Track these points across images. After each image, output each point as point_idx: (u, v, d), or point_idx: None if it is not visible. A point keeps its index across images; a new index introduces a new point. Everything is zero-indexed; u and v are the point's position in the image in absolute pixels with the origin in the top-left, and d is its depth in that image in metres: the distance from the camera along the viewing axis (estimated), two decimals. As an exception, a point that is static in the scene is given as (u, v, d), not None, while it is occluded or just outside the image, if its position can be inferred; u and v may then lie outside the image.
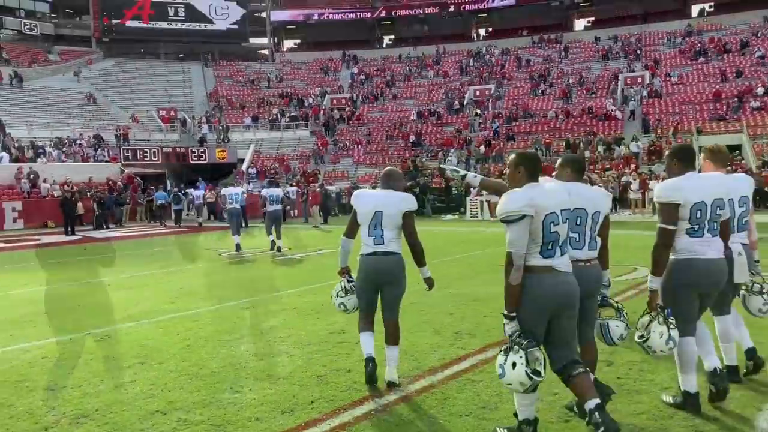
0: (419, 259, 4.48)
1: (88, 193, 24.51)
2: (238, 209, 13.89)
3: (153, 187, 26.65)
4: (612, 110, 33.22)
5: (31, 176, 25.34)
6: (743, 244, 4.08)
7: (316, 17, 51.53)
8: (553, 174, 3.80)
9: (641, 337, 3.67)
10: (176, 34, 50.27)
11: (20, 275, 11.26)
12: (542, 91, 38.92)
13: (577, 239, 3.60)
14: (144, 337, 6.13)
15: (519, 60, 44.50)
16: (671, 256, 3.69)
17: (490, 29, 52.88)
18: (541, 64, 42.80)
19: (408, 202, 4.45)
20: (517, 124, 35.05)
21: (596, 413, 3.11)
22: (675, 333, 3.59)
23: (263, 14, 54.73)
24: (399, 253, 4.43)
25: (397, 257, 4.43)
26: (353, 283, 4.61)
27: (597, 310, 3.80)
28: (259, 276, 9.74)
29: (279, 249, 13.01)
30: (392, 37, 55.24)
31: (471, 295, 7.58)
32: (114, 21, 48.76)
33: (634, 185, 20.52)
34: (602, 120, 32.90)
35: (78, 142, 30.44)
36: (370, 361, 4.41)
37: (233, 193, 14.15)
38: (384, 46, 53.90)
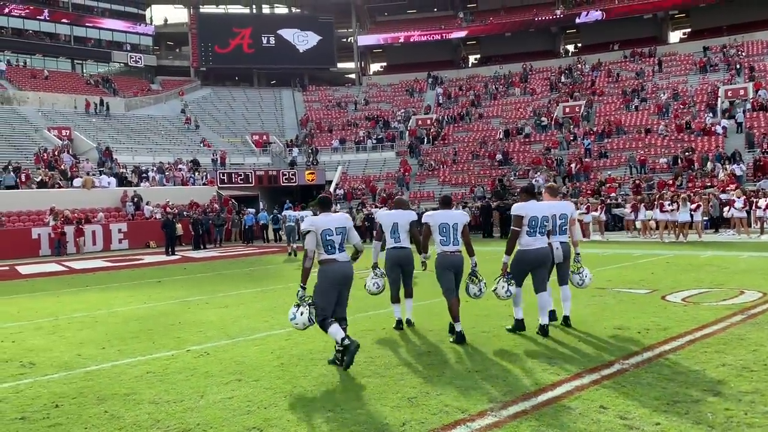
0: (419, 248, 7.03)
1: (186, 215, 25.83)
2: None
3: (249, 209, 27.73)
4: (712, 125, 31.54)
5: (135, 199, 26.95)
6: (562, 242, 6.79)
7: (401, 40, 52.26)
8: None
9: (493, 289, 6.59)
10: (268, 61, 52.34)
11: (125, 293, 11.94)
12: (635, 107, 37.55)
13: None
14: (240, 354, 6.33)
15: (610, 75, 43.22)
16: (517, 247, 6.52)
17: (579, 44, 51.74)
18: (634, 79, 41.36)
19: (412, 216, 7.31)
20: (610, 140, 33.94)
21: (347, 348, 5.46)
22: (512, 288, 6.54)
23: (350, 40, 56.08)
24: (410, 247, 7.22)
25: (409, 250, 7.22)
26: (381, 270, 7.38)
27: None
28: (354, 294, 9.86)
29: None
30: (477, 56, 55.13)
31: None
32: (211, 52, 51.41)
33: (738, 203, 19.27)
34: (701, 135, 31.28)
35: (178, 166, 32.14)
36: (399, 322, 7.28)
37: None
38: (469, 65, 53.86)
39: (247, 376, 5.42)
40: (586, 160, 31.73)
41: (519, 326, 6.69)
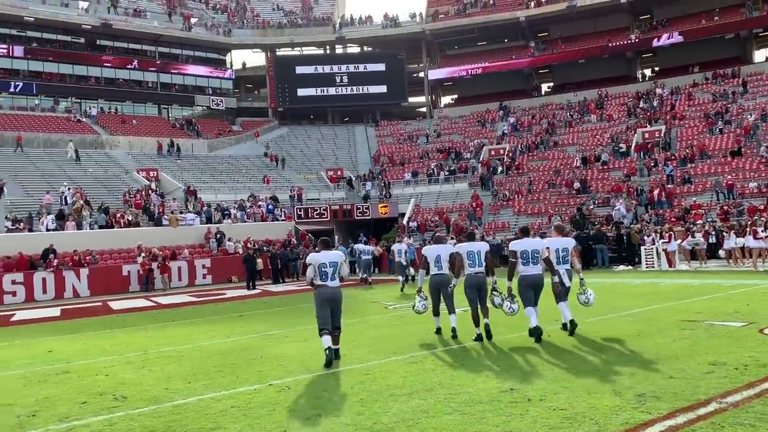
0: (456, 272, 9.01)
1: (266, 250, 26.54)
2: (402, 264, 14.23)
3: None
4: (807, 145, 29.71)
5: (218, 236, 27.96)
6: (567, 269, 8.66)
7: (472, 72, 52.42)
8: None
9: (500, 305, 8.82)
10: (342, 99, 53.66)
11: (209, 327, 12.32)
12: (719, 130, 35.93)
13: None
14: (321, 388, 6.39)
15: (691, 98, 41.65)
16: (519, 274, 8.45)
17: (656, 68, 50.27)
18: (717, 101, 39.67)
19: (449, 248, 9.36)
20: (693, 165, 32.55)
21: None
22: (515, 305, 8.60)
23: (420, 74, 56.74)
24: (448, 273, 9.13)
25: (448, 275, 9.13)
26: (425, 294, 9.40)
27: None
28: (426, 330, 9.78)
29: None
30: (550, 84, 54.52)
31: (652, 353, 7.02)
32: (287, 92, 53.23)
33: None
34: (795, 157, 29.51)
35: (258, 203, 33.19)
36: (439, 330, 9.34)
37: (400, 248, 14.53)
38: (542, 93, 53.32)
39: (327, 412, 5.45)
40: (669, 186, 30.51)
41: (533, 333, 8.29)
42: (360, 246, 25.75)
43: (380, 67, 53.53)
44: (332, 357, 7.58)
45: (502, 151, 42.14)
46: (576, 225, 25.79)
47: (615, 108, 44.32)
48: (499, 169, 39.69)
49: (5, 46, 43.88)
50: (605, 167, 35.67)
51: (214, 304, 17.77)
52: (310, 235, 30.34)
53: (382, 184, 39.83)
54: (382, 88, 53.22)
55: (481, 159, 41.53)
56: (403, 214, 36.16)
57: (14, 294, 21.62)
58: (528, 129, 45.40)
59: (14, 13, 43.17)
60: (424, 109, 57.42)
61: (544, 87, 54.87)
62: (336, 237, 31.23)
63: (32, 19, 43.89)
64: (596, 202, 31.24)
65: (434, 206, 36.84)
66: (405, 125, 52.10)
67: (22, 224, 25.52)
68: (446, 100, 58.83)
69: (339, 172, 42.40)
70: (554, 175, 36.34)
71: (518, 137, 44.26)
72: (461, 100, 55.65)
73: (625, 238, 22.80)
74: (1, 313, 18.04)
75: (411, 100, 57.34)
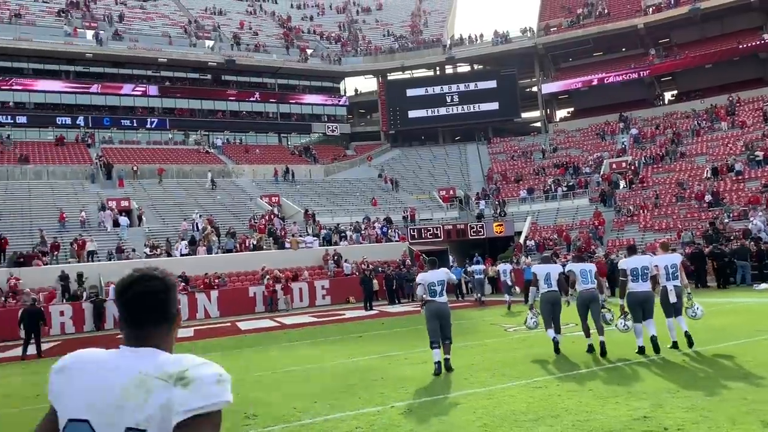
0: (566, 289, 9.92)
1: (381, 270, 26.91)
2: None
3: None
4: None
5: (336, 257, 28.73)
6: (675, 285, 8.95)
7: (588, 84, 50.73)
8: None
9: (611, 320, 9.54)
10: (453, 119, 53.74)
11: (331, 348, 12.62)
12: None
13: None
14: (442, 412, 6.33)
15: (839, 97, 37.83)
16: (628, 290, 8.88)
17: (796, 68, 46.18)
18: None
19: (558, 268, 10.09)
20: None
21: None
22: (629, 322, 9.11)
23: (534, 89, 55.71)
24: (558, 290, 9.72)
25: (557, 292, 9.73)
26: (537, 311, 10.18)
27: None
28: (548, 353, 9.45)
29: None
30: (674, 92, 51.57)
31: (808, 382, 6.35)
32: (399, 115, 54.10)
33: None
34: None
35: (372, 224, 33.81)
36: (555, 342, 9.64)
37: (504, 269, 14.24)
38: (665, 102, 50.52)
39: (451, 436, 5.39)
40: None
41: (641, 352, 8.81)
42: (474, 266, 25.50)
43: (491, 84, 53.14)
44: (440, 370, 8.59)
45: (623, 164, 40.24)
46: (709, 240, 24.04)
47: (748, 114, 41.10)
48: (621, 183, 37.91)
49: (143, 86, 47.99)
50: (739, 177, 33.07)
51: (334, 324, 18.21)
52: (424, 255, 30.42)
53: (497, 203, 39.26)
54: (494, 105, 52.74)
55: (601, 173, 39.91)
56: (519, 233, 35.36)
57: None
58: (651, 140, 43.13)
59: (151, 55, 47.18)
60: (538, 124, 56.20)
61: (667, 95, 52.02)
62: (450, 257, 31.08)
63: (165, 60, 47.71)
64: (731, 215, 28.99)
65: (552, 224, 35.76)
66: (519, 141, 51.20)
67: (158, 250, 27.57)
68: (561, 113, 57.28)
69: (451, 192, 42.30)
70: (682, 187, 34.18)
71: (641, 149, 42.14)
72: (578, 112, 53.95)
73: (766, 254, 20.93)
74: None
75: (524, 115, 56.35)
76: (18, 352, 15.27)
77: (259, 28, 58.66)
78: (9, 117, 43.02)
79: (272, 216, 33.65)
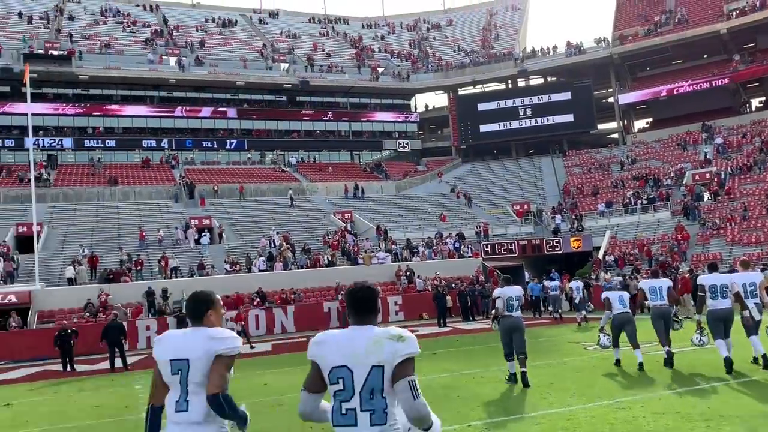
0: (639, 305, 12.75)
1: (454, 287, 26.70)
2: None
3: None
4: None
5: (408, 273, 28.74)
6: (756, 303, 8.81)
7: (667, 93, 48.90)
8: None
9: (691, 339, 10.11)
10: (526, 132, 53.00)
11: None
12: None
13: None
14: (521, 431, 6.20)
15: None
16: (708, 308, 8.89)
17: None
18: None
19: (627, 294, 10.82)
20: None
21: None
22: (705, 338, 9.70)
23: (610, 100, 54.22)
24: (629, 311, 10.34)
25: (630, 313, 10.29)
26: (608, 332, 10.61)
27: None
28: (630, 373, 9.10)
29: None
30: (762, 98, 48.95)
31: None
32: (470, 130, 53.84)
33: None
34: None
35: (445, 240, 33.64)
36: (618, 362, 10.34)
37: (577, 285, 13.88)
38: (752, 109, 48.02)
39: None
40: None
41: (727, 364, 8.58)
42: (549, 282, 24.94)
43: (565, 96, 52.12)
44: (515, 380, 9.04)
45: (707, 176, 38.44)
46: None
47: None
48: (706, 195, 36.21)
49: (222, 109, 49.93)
50: (839, 187, 30.93)
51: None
52: (498, 271, 29.98)
53: (573, 217, 38.26)
54: (569, 117, 51.65)
55: (683, 185, 38.28)
56: (597, 248, 34.29)
57: (232, 330, 23.98)
58: (737, 149, 41.04)
59: (229, 79, 49.07)
60: (615, 136, 54.58)
61: (754, 102, 49.45)
62: (526, 273, 30.48)
63: (243, 83, 49.48)
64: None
65: (632, 238, 34.51)
66: (595, 153, 49.84)
67: (238, 266, 28.44)
68: (640, 124, 55.44)
69: (526, 206, 41.56)
70: (773, 198, 32.27)
71: (726, 159, 40.16)
72: (657, 123, 52.07)
73: None
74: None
75: (600, 126, 54.87)
76: (107, 364, 16.04)
77: (331, 49, 59.98)
78: (99, 141, 45.68)
79: (345, 232, 34.09)
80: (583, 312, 19.58)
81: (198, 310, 3.25)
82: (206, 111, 49.34)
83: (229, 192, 41.18)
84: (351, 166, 51.76)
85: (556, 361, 11.39)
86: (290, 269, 28.62)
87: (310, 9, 72.82)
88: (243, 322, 19.52)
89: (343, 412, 2.79)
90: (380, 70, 56.05)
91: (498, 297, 9.36)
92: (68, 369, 16.49)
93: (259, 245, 31.09)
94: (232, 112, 50.20)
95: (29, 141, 31.25)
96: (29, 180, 29.36)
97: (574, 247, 34.23)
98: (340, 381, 2.81)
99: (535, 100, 52.84)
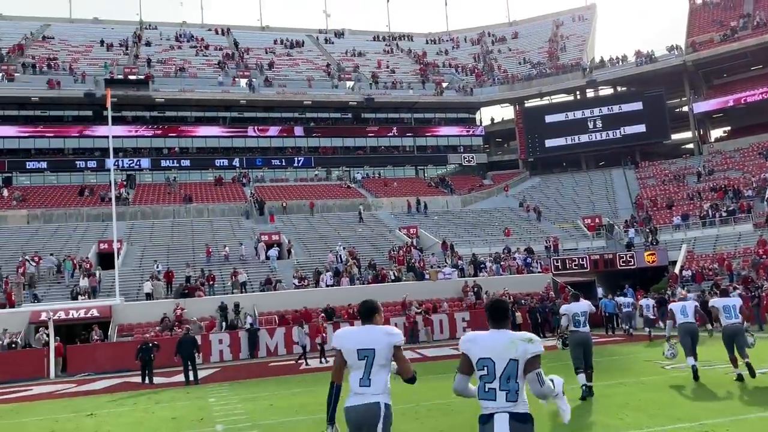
0: (711, 323, 11.96)
1: (523, 303, 26.18)
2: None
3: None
4: None
5: (475, 289, 28.38)
6: None
7: (746, 100, 46.70)
8: None
9: (753, 344, 10.59)
10: (596, 144, 51.72)
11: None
12: None
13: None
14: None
15: None
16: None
17: None
18: None
19: (694, 303, 11.10)
20: None
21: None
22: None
23: (684, 109, 52.28)
24: (695, 323, 10.76)
25: (695, 324, 10.74)
26: (673, 342, 11.33)
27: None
28: (711, 395, 8.65)
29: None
30: None
31: None
32: (537, 142, 53.02)
33: None
34: None
35: (513, 255, 33.09)
36: (694, 370, 10.34)
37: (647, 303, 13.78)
38: (842, 115, 45.20)
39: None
40: None
41: None
42: (622, 298, 24.12)
43: (637, 106, 50.61)
44: (587, 393, 9.27)
45: (794, 186, 36.37)
46: None
47: None
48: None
49: (290, 127, 51.12)
50: None
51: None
52: (569, 287, 29.21)
53: (647, 230, 36.93)
54: (641, 128, 50.09)
55: (766, 196, 36.34)
56: (673, 263, 32.92)
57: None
58: (827, 157, 38.67)
59: (297, 98, 50.24)
60: (690, 146, 52.46)
61: None
62: (599, 289, 29.55)
63: (310, 102, 50.53)
64: None
65: (711, 252, 32.98)
66: (670, 164, 48.04)
67: (306, 281, 28.87)
68: (716, 133, 53.15)
69: (597, 220, 40.41)
70: None
71: (814, 168, 37.90)
72: (736, 131, 49.79)
73: None
74: (291, 362, 20.35)
75: (674, 137, 52.94)
76: (182, 377, 16.53)
77: (396, 65, 60.53)
78: (174, 161, 47.61)
79: (411, 247, 34.08)
80: (647, 329, 19.03)
81: (370, 313, 4.47)
82: (275, 130, 50.65)
83: (297, 208, 42.00)
84: (416, 181, 51.83)
85: (631, 380, 10.96)
86: (356, 284, 28.80)
87: (375, 27, 73.79)
88: (324, 335, 19.55)
89: (486, 390, 3.84)
90: (444, 84, 56.12)
91: (564, 314, 9.87)
92: (147, 381, 17.08)
93: (326, 260, 31.48)
94: (299, 130, 51.34)
95: (110, 162, 32.90)
96: (110, 199, 30.80)
97: (648, 262, 32.99)
98: (485, 368, 3.84)
99: (605, 110, 51.57)
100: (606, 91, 55.69)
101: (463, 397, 4.10)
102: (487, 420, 3.81)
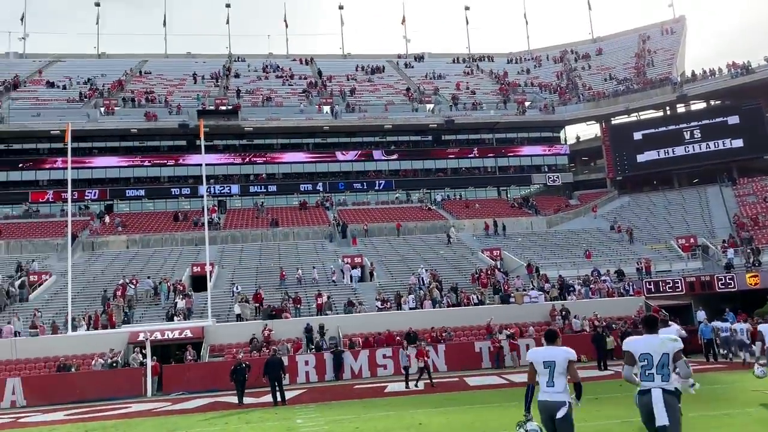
0: None
1: (615, 327, 25.11)
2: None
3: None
4: None
5: (564, 313, 27.51)
6: None
7: None
8: None
9: None
10: (689, 160, 49.41)
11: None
12: None
13: None
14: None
15: None
16: None
17: None
18: None
19: None
20: None
21: None
22: None
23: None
24: None
25: None
26: (764, 361, 11.61)
27: None
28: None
29: None
30: None
31: None
32: (626, 160, 51.22)
33: None
34: None
35: (602, 278, 31.91)
36: None
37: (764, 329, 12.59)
38: None
39: None
40: None
41: None
42: (719, 323, 22.66)
43: (733, 119, 48.06)
44: None
45: None
46: None
47: None
48: None
49: (371, 151, 51.86)
50: None
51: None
52: (663, 311, 27.81)
53: (749, 251, 34.72)
54: (738, 143, 47.50)
55: None
56: (779, 285, 30.73)
57: (385, 367, 24.27)
58: None
59: (377, 123, 51.00)
60: (794, 161, 49.14)
61: None
62: (700, 312, 27.92)
63: (390, 126, 51.15)
64: None
65: (822, 274, 30.57)
66: (772, 181, 45.19)
67: (388, 303, 28.94)
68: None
69: (692, 240, 38.41)
70: None
71: None
72: None
73: None
74: (376, 385, 20.38)
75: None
76: (270, 398, 16.86)
77: (476, 86, 60.39)
78: (262, 186, 49.34)
79: (495, 270, 33.53)
80: (747, 355, 17.73)
81: (553, 336, 6.23)
82: (356, 154, 51.56)
83: (378, 231, 42.37)
84: (498, 202, 51.18)
85: (737, 411, 10.26)
86: (438, 307, 28.58)
87: (455, 49, 73.92)
88: (425, 358, 19.38)
89: (646, 374, 5.67)
90: (527, 104, 55.42)
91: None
92: (243, 402, 17.30)
93: (408, 282, 31.48)
94: (379, 153, 52.01)
95: (202, 189, 34.49)
96: (203, 224, 32.20)
97: (750, 284, 30.95)
98: (646, 360, 5.67)
99: (698, 125, 49.35)
100: (698, 105, 53.23)
101: (630, 383, 5.88)
102: (645, 393, 5.66)
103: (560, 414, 5.85)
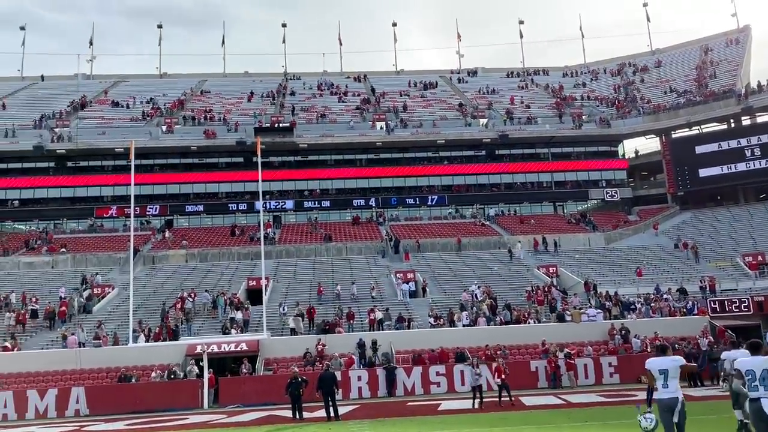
0: None
1: (677, 348, 24.13)
2: None
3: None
4: None
5: (623, 332, 26.65)
6: None
7: None
8: None
9: None
10: (756, 174, 47.44)
11: (625, 431, 11.54)
12: None
13: None
14: None
15: None
16: None
17: None
18: None
19: None
20: None
21: None
22: None
23: None
24: None
25: None
26: None
27: None
28: None
29: None
30: None
31: None
32: (687, 175, 49.59)
33: None
34: None
35: (664, 296, 30.83)
36: None
37: None
38: None
39: None
40: None
41: None
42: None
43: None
44: (742, 427, 10.21)
45: None
46: None
47: None
48: None
49: (424, 166, 51.87)
50: None
51: (625, 405, 16.68)
52: (729, 331, 26.61)
53: (822, 269, 32.98)
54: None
55: None
56: None
57: (438, 384, 23.97)
58: None
59: (430, 138, 51.01)
60: None
61: None
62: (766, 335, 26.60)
63: (443, 141, 51.07)
64: None
65: None
66: None
67: (441, 320, 28.66)
68: None
69: (760, 257, 36.73)
70: None
71: None
72: None
73: None
74: (430, 402, 20.14)
75: None
76: (323, 413, 16.88)
77: (531, 101, 59.74)
78: (316, 202, 49.97)
79: (551, 287, 32.85)
80: None
81: (664, 350, 8.10)
82: (409, 169, 51.62)
83: (431, 246, 42.21)
84: (554, 218, 50.28)
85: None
86: (492, 325, 28.13)
87: (509, 64, 73.37)
88: (503, 376, 19.07)
89: (752, 386, 6.66)
90: (583, 117, 54.43)
91: (725, 359, 11.30)
92: (297, 416, 17.13)
93: (461, 299, 31.14)
94: (432, 169, 51.92)
95: (258, 204, 35.16)
96: (258, 239, 32.76)
97: (826, 305, 29.31)
98: (750, 374, 6.61)
99: (764, 138, 47.34)
100: (764, 117, 51.12)
101: (740, 392, 7.12)
102: (756, 400, 6.61)
103: (678, 407, 7.50)
